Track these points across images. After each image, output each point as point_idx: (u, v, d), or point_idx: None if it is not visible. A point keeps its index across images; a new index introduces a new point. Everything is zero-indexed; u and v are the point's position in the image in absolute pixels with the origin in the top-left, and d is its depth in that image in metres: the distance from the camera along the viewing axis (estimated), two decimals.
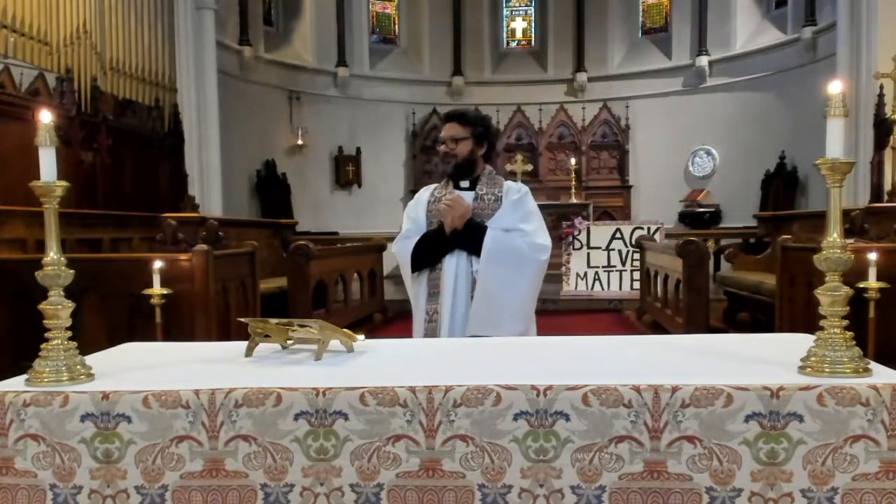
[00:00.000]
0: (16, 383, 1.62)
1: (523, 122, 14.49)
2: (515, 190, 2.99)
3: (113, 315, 4.23)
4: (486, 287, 2.80)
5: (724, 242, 9.97)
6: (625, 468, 1.46)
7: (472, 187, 2.97)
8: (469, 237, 2.84)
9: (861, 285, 3.69)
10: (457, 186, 2.98)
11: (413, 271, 2.95)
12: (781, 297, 4.88)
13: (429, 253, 2.92)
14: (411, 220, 3.01)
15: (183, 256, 4.43)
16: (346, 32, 13.99)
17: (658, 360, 1.76)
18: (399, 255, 2.99)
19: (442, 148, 2.98)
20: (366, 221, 13.30)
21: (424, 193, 3.07)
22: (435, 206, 2.94)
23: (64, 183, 1.63)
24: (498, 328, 2.74)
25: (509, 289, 2.81)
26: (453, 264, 2.88)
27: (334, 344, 1.93)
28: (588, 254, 9.19)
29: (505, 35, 15.40)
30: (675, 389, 1.46)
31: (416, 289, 2.99)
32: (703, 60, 13.45)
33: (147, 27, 9.23)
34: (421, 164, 14.40)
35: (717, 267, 9.13)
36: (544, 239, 2.89)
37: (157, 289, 3.89)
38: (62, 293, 1.65)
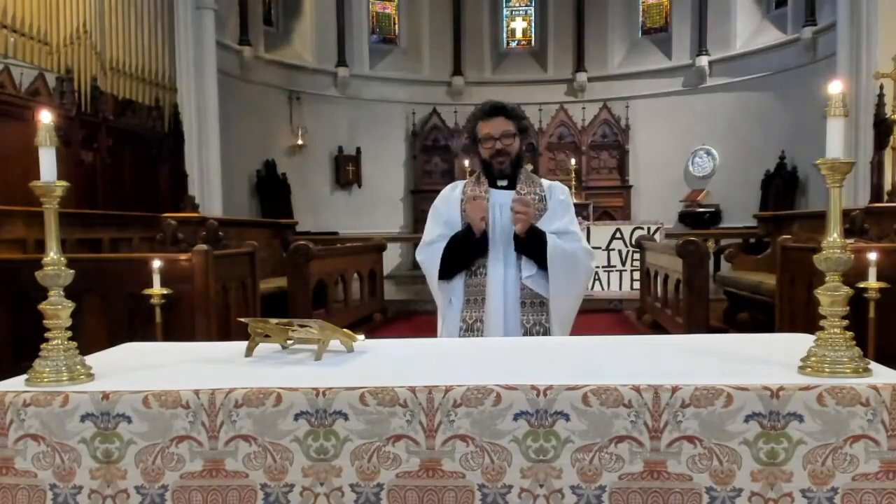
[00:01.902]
0: (16, 383, 1.62)
1: None
2: (560, 189, 2.81)
3: (113, 315, 4.23)
4: (559, 296, 2.66)
5: (724, 242, 9.96)
6: (625, 468, 1.46)
7: (509, 186, 2.74)
8: (532, 245, 2.63)
9: (861, 285, 3.69)
10: (493, 185, 2.74)
11: (441, 279, 2.72)
12: (781, 297, 4.88)
13: (460, 258, 2.70)
14: (443, 224, 2.76)
15: (183, 256, 4.43)
16: (346, 32, 13.99)
17: (658, 360, 1.76)
18: (425, 263, 2.75)
19: (496, 145, 2.70)
20: (366, 221, 13.31)
21: (454, 192, 2.81)
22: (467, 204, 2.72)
23: (64, 183, 1.63)
24: (563, 333, 2.69)
25: (574, 295, 2.73)
26: (500, 273, 2.67)
27: (334, 344, 1.93)
28: None
29: (505, 35, 15.41)
30: (675, 389, 1.46)
31: (447, 293, 2.75)
32: (703, 60, 13.45)
33: (147, 27, 9.23)
34: (421, 164, 14.41)
35: (717, 267, 9.13)
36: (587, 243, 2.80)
37: (157, 289, 3.89)
38: (62, 293, 1.65)
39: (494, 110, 2.73)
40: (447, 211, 2.78)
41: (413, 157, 14.49)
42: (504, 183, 2.74)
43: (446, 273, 2.71)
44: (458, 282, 2.73)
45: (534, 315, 2.68)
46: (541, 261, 2.63)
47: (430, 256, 2.73)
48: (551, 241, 2.63)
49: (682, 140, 13.71)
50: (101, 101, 8.15)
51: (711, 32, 13.41)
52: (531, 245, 2.63)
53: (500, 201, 2.70)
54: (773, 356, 1.73)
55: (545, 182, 2.82)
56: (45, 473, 1.52)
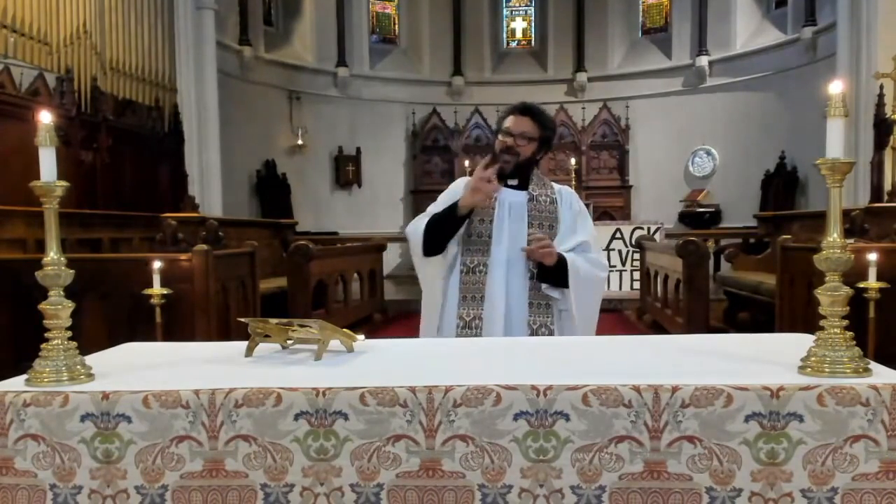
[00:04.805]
0: (16, 383, 1.62)
1: None
2: (575, 197, 2.81)
3: (113, 315, 4.23)
4: (580, 311, 2.68)
5: (724, 242, 9.97)
6: (625, 468, 1.46)
7: (521, 186, 2.72)
8: (556, 273, 2.62)
9: (861, 285, 3.69)
10: (504, 184, 2.69)
11: (426, 255, 2.67)
12: (781, 297, 4.88)
13: (439, 236, 2.65)
14: (443, 206, 2.72)
15: (183, 256, 4.43)
16: (346, 32, 13.99)
17: (658, 360, 1.76)
18: (410, 235, 2.72)
19: (508, 140, 2.66)
20: (366, 221, 13.32)
21: (461, 184, 2.77)
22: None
23: (64, 183, 1.63)
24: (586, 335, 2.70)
25: (594, 307, 2.79)
26: (502, 273, 2.63)
27: (334, 344, 1.93)
28: None
29: (505, 35, 15.41)
30: (675, 389, 1.46)
31: (435, 284, 2.72)
32: (703, 60, 13.46)
33: (147, 27, 9.23)
34: (421, 164, 14.42)
35: (717, 267, 9.13)
36: (601, 252, 2.82)
37: (157, 289, 3.89)
38: (62, 293, 1.65)
39: (525, 109, 2.72)
40: (453, 198, 2.72)
41: (413, 157, 14.49)
42: (514, 182, 2.71)
43: (428, 248, 2.66)
44: (451, 273, 2.69)
45: (540, 317, 2.66)
46: (560, 281, 2.63)
47: (415, 228, 2.69)
48: (571, 266, 2.62)
49: (682, 140, 13.72)
50: (101, 101, 8.15)
51: (711, 32, 13.42)
52: (554, 272, 2.62)
53: (510, 200, 2.68)
54: (773, 356, 1.72)
55: (556, 186, 2.80)
56: (45, 473, 1.52)
